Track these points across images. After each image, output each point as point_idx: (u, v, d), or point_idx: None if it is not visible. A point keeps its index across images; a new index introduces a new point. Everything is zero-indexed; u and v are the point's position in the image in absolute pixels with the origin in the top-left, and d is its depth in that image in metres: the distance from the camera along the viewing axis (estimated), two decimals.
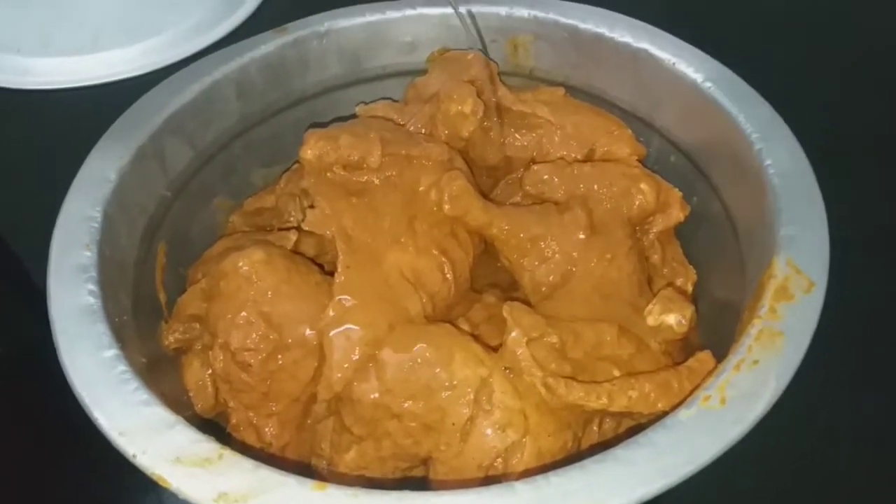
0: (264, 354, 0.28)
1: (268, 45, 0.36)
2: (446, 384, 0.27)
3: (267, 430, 0.29)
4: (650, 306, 0.29)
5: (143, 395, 0.24)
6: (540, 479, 0.21)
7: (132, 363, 0.25)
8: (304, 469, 0.29)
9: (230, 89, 0.35)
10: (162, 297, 0.32)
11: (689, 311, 0.29)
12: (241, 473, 0.21)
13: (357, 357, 0.27)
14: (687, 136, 0.34)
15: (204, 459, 0.22)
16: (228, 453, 0.22)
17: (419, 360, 0.27)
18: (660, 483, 0.21)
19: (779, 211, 0.28)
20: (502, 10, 0.37)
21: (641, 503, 0.21)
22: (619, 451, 0.22)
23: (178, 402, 0.30)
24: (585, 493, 0.21)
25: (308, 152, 0.30)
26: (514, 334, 0.27)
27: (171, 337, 0.31)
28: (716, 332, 0.30)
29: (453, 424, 0.27)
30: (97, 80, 0.49)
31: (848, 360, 0.34)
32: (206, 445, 0.22)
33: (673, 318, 0.28)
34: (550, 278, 0.31)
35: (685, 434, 0.22)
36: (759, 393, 0.23)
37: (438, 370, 0.27)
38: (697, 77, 0.33)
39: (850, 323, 0.31)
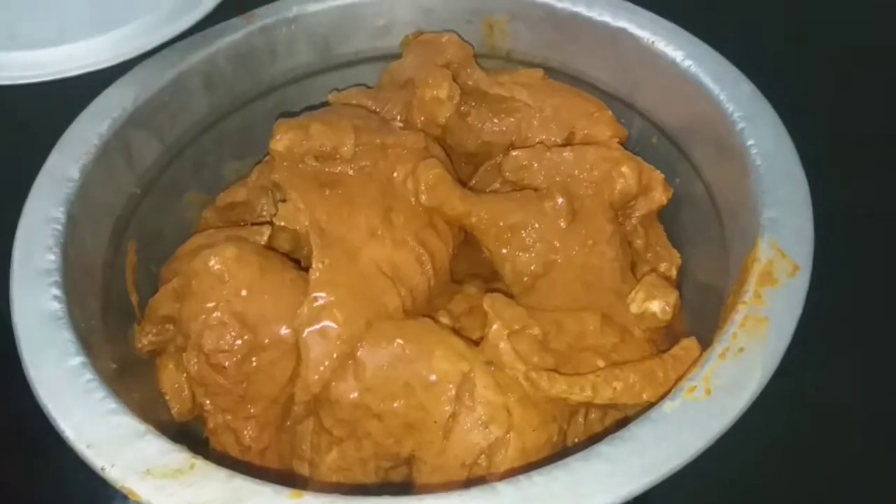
0: (239, 356, 0.27)
1: (235, 32, 0.34)
2: (427, 381, 0.26)
3: (245, 432, 0.28)
4: (633, 293, 0.28)
5: (112, 404, 0.23)
6: (523, 478, 0.21)
7: (101, 370, 0.24)
8: (285, 473, 0.29)
9: (197, 80, 0.34)
10: (133, 298, 0.31)
11: (673, 297, 0.28)
12: (214, 484, 0.21)
13: (334, 356, 0.26)
14: (668, 116, 0.34)
15: (175, 470, 0.21)
16: (201, 463, 0.21)
17: (398, 358, 0.26)
18: (645, 479, 0.20)
19: (762, 192, 0.27)
20: None
21: (627, 498, 0.20)
22: (602, 448, 0.21)
23: (153, 407, 0.29)
24: (570, 492, 0.20)
25: (278, 143, 0.29)
26: (495, 327, 0.27)
27: (145, 339, 0.30)
28: (700, 316, 0.30)
29: (435, 422, 0.26)
30: (65, 73, 0.47)
31: (832, 345, 0.34)
32: (177, 455, 0.21)
33: (657, 304, 0.28)
34: (532, 268, 0.30)
35: (670, 428, 0.21)
36: (744, 383, 0.22)
37: (418, 367, 0.26)
38: (677, 55, 0.32)
39: (833, 307, 0.30)
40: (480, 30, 0.37)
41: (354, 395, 0.26)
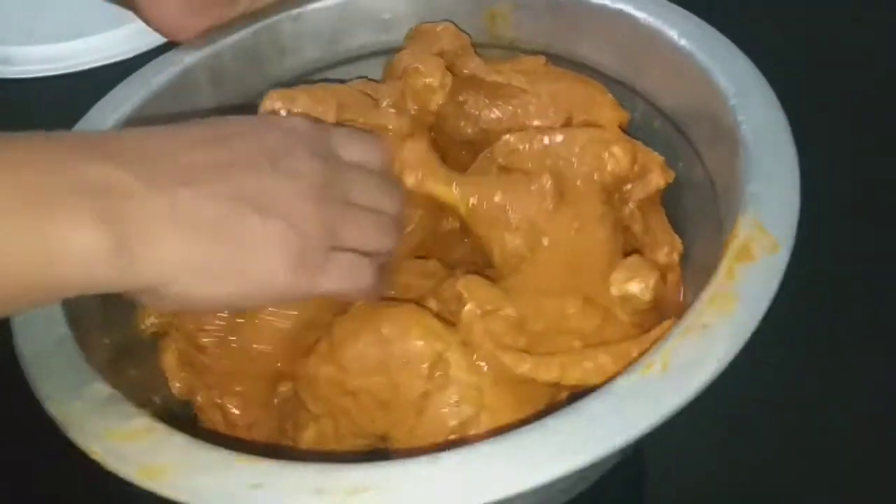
0: (220, 335, 0.28)
1: (241, 29, 0.36)
2: (401, 360, 0.26)
3: (232, 409, 0.29)
4: (613, 275, 0.27)
5: (87, 373, 0.24)
6: (466, 449, 0.20)
7: (95, 346, 0.26)
8: (272, 447, 0.29)
9: (204, 76, 0.35)
10: None
11: (652, 278, 0.27)
12: (168, 448, 0.21)
13: None
14: (669, 98, 0.33)
15: (132, 432, 0.22)
16: (162, 428, 0.22)
17: (375, 337, 0.27)
18: (586, 454, 0.20)
19: (747, 166, 0.26)
20: None
21: (569, 473, 0.20)
22: (549, 421, 0.20)
23: (154, 385, 0.31)
24: (509, 463, 0.20)
25: (266, 106, 0.30)
26: (468, 307, 0.26)
27: (147, 321, 0.31)
28: None
29: (408, 400, 0.26)
30: (82, 66, 0.49)
31: (817, 327, 0.32)
32: (139, 420, 0.22)
33: (635, 285, 0.27)
34: (519, 250, 0.30)
35: (620, 403, 0.21)
36: (703, 361, 0.21)
37: (394, 347, 0.26)
38: (673, 33, 0.31)
39: (820, 287, 0.28)
40: (483, 20, 0.37)
41: (329, 371, 0.27)
